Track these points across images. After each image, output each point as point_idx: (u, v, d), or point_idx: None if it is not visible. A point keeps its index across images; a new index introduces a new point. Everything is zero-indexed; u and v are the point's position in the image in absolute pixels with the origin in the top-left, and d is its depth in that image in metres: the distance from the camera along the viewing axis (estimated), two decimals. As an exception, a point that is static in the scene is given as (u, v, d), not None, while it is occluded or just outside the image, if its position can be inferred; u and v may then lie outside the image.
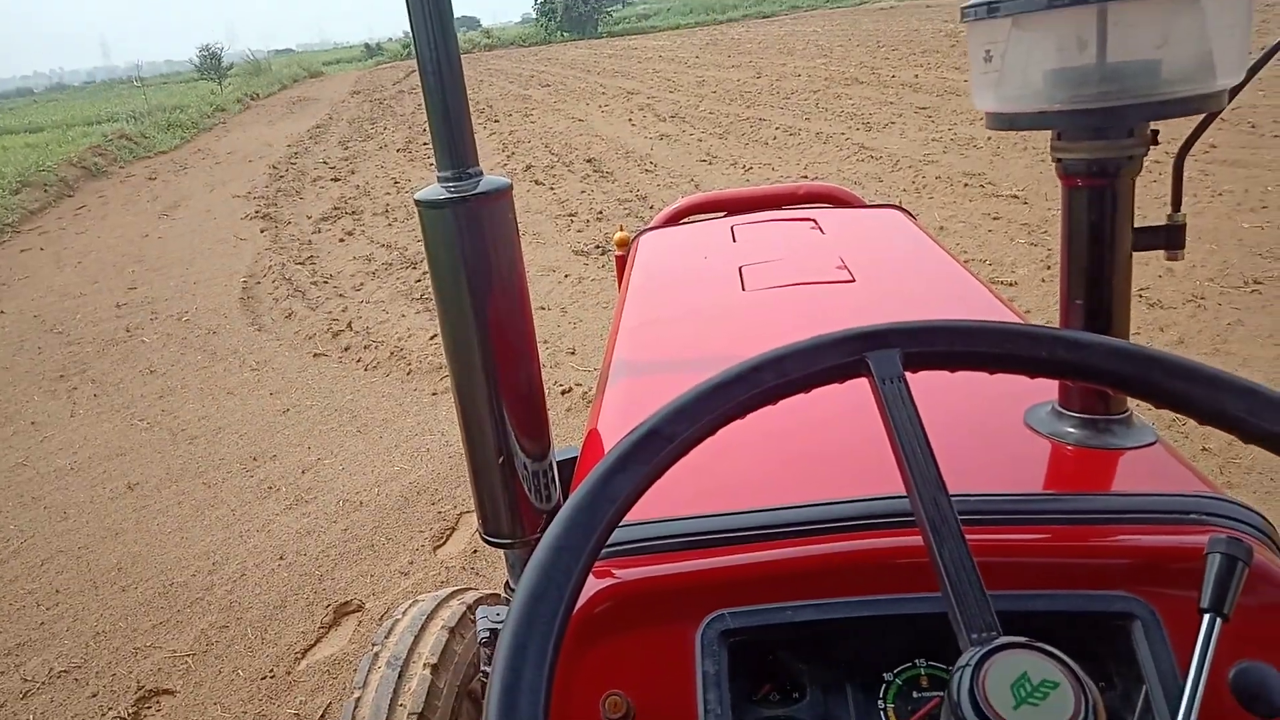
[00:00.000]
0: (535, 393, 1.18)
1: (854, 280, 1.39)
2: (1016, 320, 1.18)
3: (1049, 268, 4.40)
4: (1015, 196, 5.71)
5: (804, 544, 0.72)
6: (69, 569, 3.02)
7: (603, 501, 0.53)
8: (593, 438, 1.10)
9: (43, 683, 2.45)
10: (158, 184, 11.63)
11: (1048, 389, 0.89)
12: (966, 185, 6.15)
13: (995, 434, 0.88)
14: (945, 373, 0.63)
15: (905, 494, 0.73)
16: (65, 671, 2.49)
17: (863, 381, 0.64)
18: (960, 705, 0.42)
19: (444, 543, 2.84)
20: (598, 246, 5.87)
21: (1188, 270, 4.10)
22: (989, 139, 7.49)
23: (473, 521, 2.92)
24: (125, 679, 2.42)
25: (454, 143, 1.02)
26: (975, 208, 5.60)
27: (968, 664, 0.43)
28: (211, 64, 30.92)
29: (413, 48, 1.01)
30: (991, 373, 0.61)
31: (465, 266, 1.05)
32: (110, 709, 2.31)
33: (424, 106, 1.02)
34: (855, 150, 7.76)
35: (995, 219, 5.31)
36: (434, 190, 1.03)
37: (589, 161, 8.87)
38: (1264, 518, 0.71)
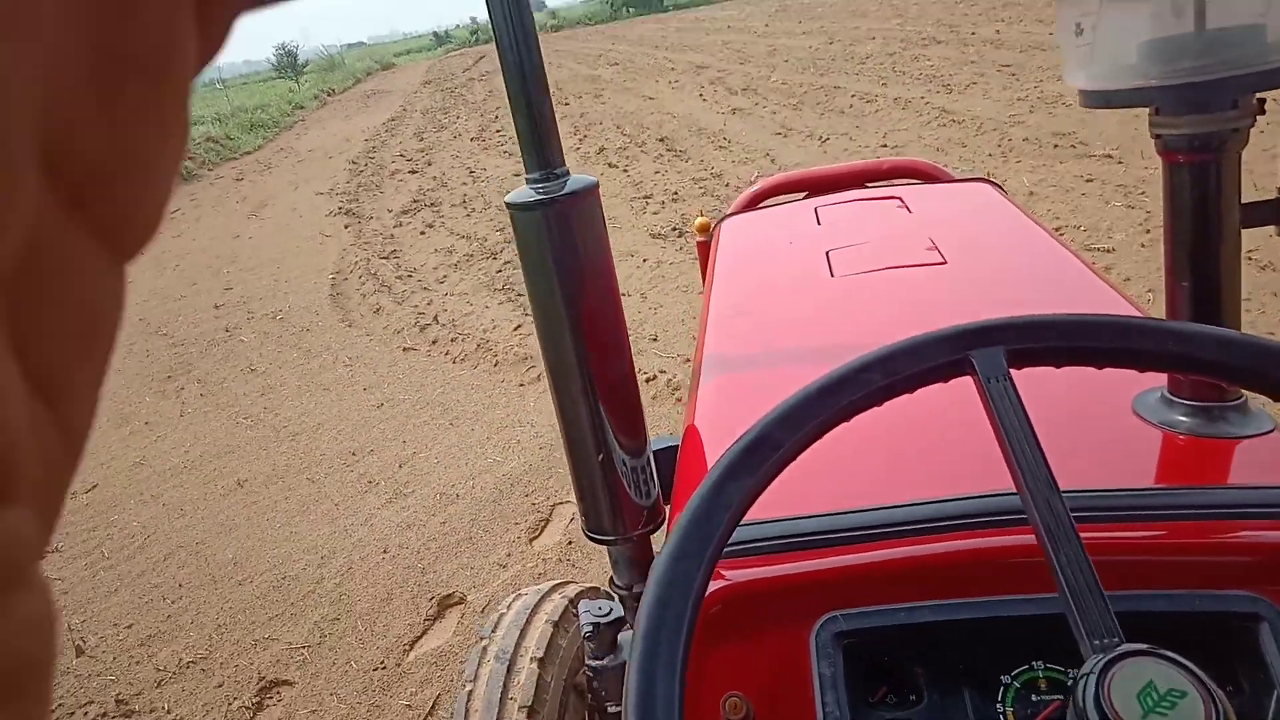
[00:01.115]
0: (630, 388, 1.19)
1: (945, 262, 1.35)
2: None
3: (1148, 231, 4.21)
4: (1109, 156, 5.48)
5: (915, 543, 0.71)
6: (189, 564, 3.18)
7: (717, 509, 0.54)
8: (691, 434, 1.11)
9: (174, 673, 2.60)
10: (245, 184, 12.05)
11: (1156, 375, 0.86)
12: (1056, 147, 5.92)
13: (1103, 424, 0.85)
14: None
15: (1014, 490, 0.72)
16: (193, 662, 2.64)
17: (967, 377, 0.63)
18: (1086, 714, 0.41)
19: (539, 534, 2.90)
20: (674, 229, 5.85)
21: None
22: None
23: (566, 513, 2.97)
24: (247, 670, 2.55)
25: (540, 145, 1.03)
26: (1066, 170, 5.39)
27: (1091, 672, 0.42)
28: (288, 62, 31.77)
29: (494, 43, 1.02)
30: (1100, 368, 0.60)
31: (556, 266, 1.06)
32: (235, 698, 2.44)
33: (509, 109, 1.03)
34: (936, 115, 7.53)
35: (1088, 181, 5.10)
36: (523, 193, 1.05)
37: (661, 141, 8.83)
38: None
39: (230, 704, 2.43)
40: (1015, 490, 0.54)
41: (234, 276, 7.23)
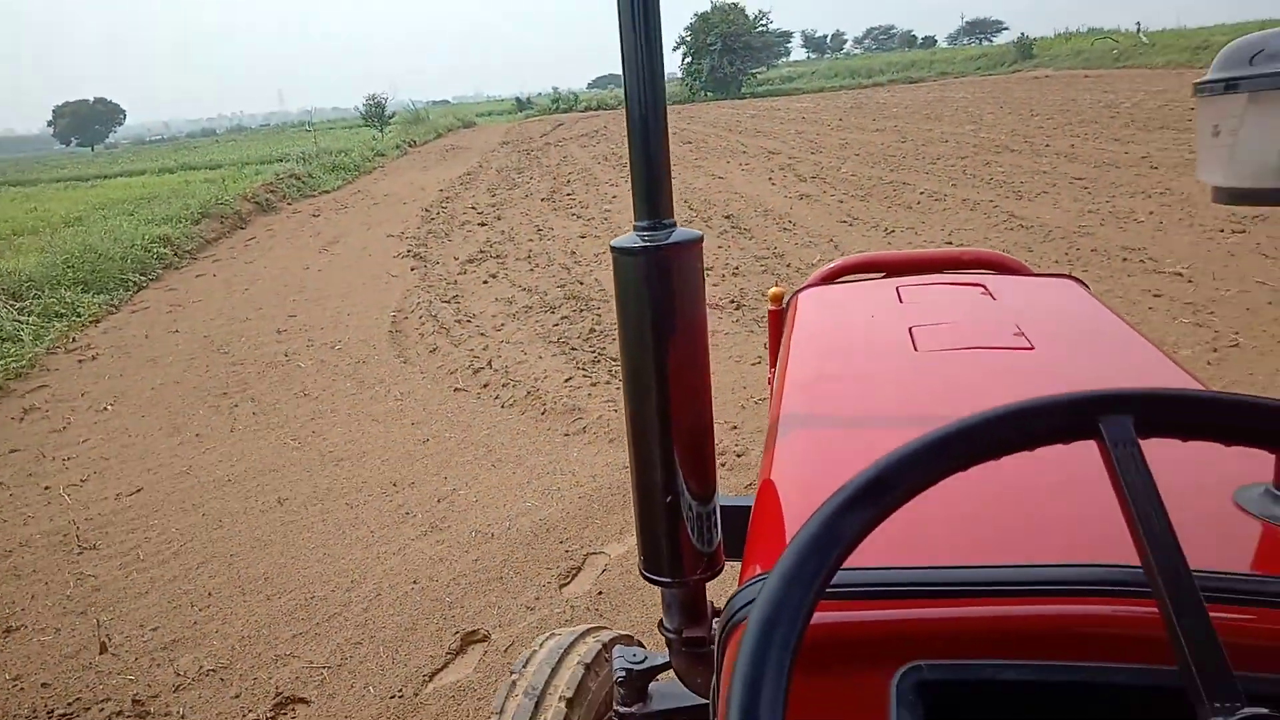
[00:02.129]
0: (705, 437, 1.19)
1: (1033, 348, 1.34)
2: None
3: (1215, 350, 4.13)
4: (1179, 274, 5.41)
5: (1010, 604, 0.70)
6: (221, 574, 3.21)
7: (831, 540, 0.54)
8: (767, 488, 1.10)
9: (193, 679, 2.60)
10: (320, 220, 12.45)
11: (1259, 470, 0.84)
12: (1125, 260, 5.88)
13: (1204, 513, 0.84)
14: (1149, 447, 0.61)
15: (1123, 562, 0.70)
16: (213, 670, 2.63)
17: (1071, 447, 0.63)
18: None
19: (569, 582, 2.87)
20: (732, 301, 5.89)
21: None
22: (1151, 213, 7.15)
23: (599, 563, 2.95)
24: (265, 684, 2.54)
25: (653, 194, 1.06)
26: (1134, 283, 5.33)
27: None
28: (375, 112, 33.04)
29: (623, 98, 1.06)
30: (1227, 445, 0.59)
31: (652, 311, 1.08)
32: (250, 710, 2.43)
33: (628, 158, 1.07)
34: (1004, 219, 7.54)
35: (1156, 296, 5.04)
36: (630, 238, 1.08)
37: (727, 218, 8.96)
38: None
39: (245, 715, 2.42)
40: (1124, 554, 0.55)
41: (299, 305, 7.42)
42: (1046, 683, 0.65)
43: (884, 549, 0.79)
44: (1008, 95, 22.30)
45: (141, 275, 9.26)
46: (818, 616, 0.72)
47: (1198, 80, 0.74)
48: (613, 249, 1.07)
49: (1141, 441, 0.59)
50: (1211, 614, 0.49)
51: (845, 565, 0.76)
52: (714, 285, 6.37)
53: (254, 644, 2.74)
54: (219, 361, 6.03)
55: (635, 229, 1.07)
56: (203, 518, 3.69)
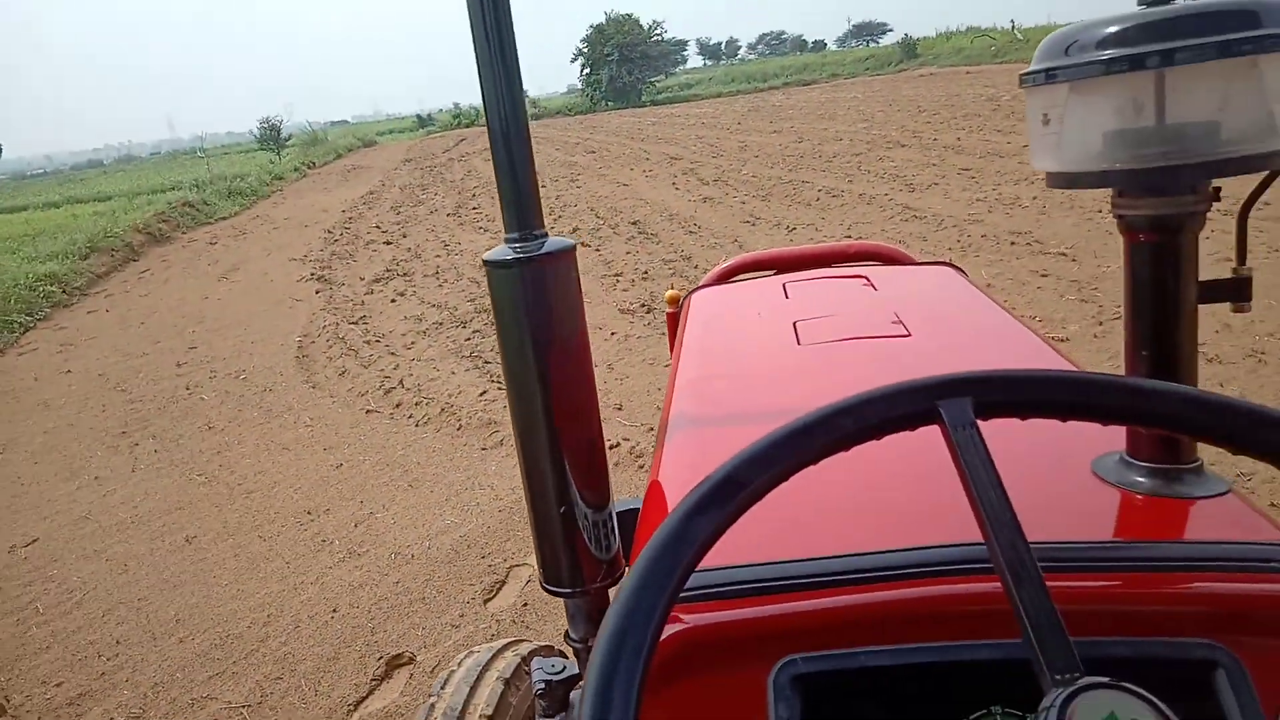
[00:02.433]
0: (596, 444, 1.20)
1: (910, 335, 1.39)
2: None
3: (1100, 324, 4.35)
4: (1063, 254, 5.68)
5: (876, 590, 0.72)
6: (129, 620, 3.07)
7: (683, 543, 0.54)
8: (655, 489, 1.11)
9: (102, 731, 2.49)
10: (218, 248, 12.04)
11: (1113, 439, 0.89)
12: (1013, 244, 6.14)
13: (1063, 484, 0.87)
14: (1009, 424, 0.63)
15: (978, 540, 0.74)
16: (124, 720, 2.52)
17: (924, 431, 0.65)
18: None
19: (494, 596, 2.85)
20: (643, 305, 5.93)
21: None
22: (1035, 198, 7.48)
23: (522, 575, 2.93)
24: (182, 728, 2.45)
25: (521, 206, 1.06)
26: (1022, 265, 5.58)
27: (1053, 705, 0.43)
28: (271, 135, 32.06)
29: (482, 114, 1.06)
30: (1064, 420, 0.62)
31: (530, 323, 1.08)
32: (167, 758, 2.34)
33: (493, 171, 1.07)
34: (899, 210, 7.79)
35: (1043, 276, 5.28)
36: (501, 251, 1.07)
37: (634, 224, 9.01)
38: None
39: (161, 763, 2.33)
40: (980, 535, 0.55)
41: (199, 336, 7.17)
42: (918, 664, 0.67)
43: (754, 546, 0.80)
44: (896, 93, 23.03)
45: (28, 315, 8.79)
46: (694, 617, 0.74)
47: (1023, 72, 0.79)
48: (485, 263, 1.08)
49: (1003, 420, 0.62)
50: (1057, 584, 0.51)
51: (717, 565, 0.77)
52: (624, 291, 6.40)
53: (168, 690, 2.64)
54: (116, 400, 5.77)
55: (506, 241, 1.07)
56: (106, 563, 3.53)
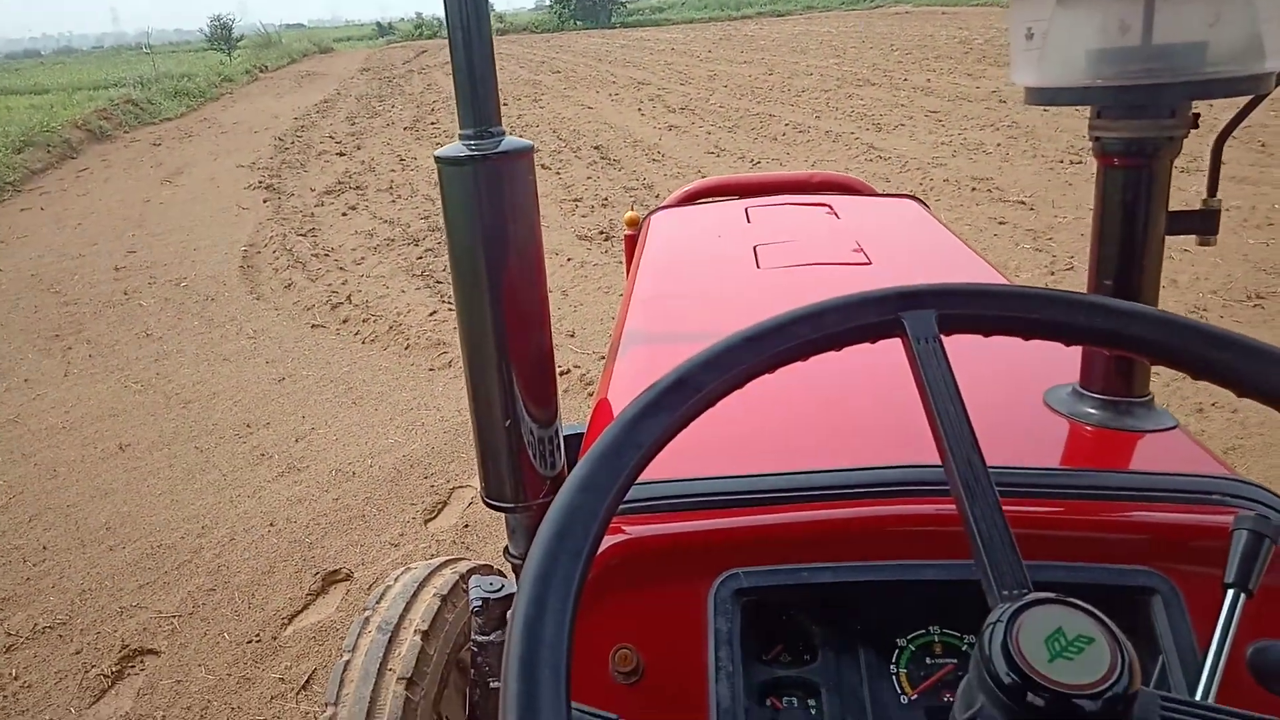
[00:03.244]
0: (545, 358, 1.16)
1: (870, 263, 1.37)
2: None
3: (1052, 274, 4.39)
4: (1022, 203, 5.70)
5: (821, 508, 0.71)
6: (56, 526, 3.00)
7: (628, 446, 0.51)
8: (602, 407, 1.08)
9: (26, 638, 2.44)
10: (162, 150, 11.58)
11: (1067, 372, 0.89)
12: (974, 190, 6.14)
13: (1015, 413, 0.88)
14: (965, 352, 0.62)
15: (926, 462, 0.72)
16: (49, 628, 2.47)
17: (882, 352, 0.63)
18: (993, 659, 0.40)
19: (435, 516, 2.83)
20: (601, 232, 5.85)
21: (1191, 282, 4.09)
22: (998, 145, 7.48)
23: (465, 496, 2.91)
24: (109, 637, 2.40)
25: (478, 100, 1.00)
26: (982, 211, 5.59)
27: (1000, 619, 0.42)
28: (222, 34, 30.75)
29: (442, 7, 0.99)
30: (1026, 338, 0.60)
31: (483, 226, 1.03)
32: (93, 666, 2.30)
33: (450, 63, 1.00)
34: (864, 150, 7.74)
35: (1001, 223, 5.30)
36: (455, 148, 1.01)
37: (596, 149, 8.84)
38: None
39: (87, 672, 2.29)
40: (927, 456, 0.55)
41: (139, 240, 6.92)
42: (858, 583, 0.66)
43: (703, 460, 0.79)
44: (870, 30, 22.74)
45: (-46, 210, 8.41)
46: (637, 529, 0.72)
47: None
48: (437, 159, 1.01)
49: (953, 345, 0.60)
50: (1008, 508, 0.50)
51: (663, 478, 0.75)
52: (583, 217, 6.30)
53: (95, 597, 2.59)
54: (49, 301, 5.56)
55: (460, 138, 1.01)
56: (35, 468, 3.43)
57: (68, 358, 4.59)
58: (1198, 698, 0.53)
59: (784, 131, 8.97)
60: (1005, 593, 0.46)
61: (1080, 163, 6.60)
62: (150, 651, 2.35)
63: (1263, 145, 6.49)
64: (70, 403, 4.02)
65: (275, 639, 2.33)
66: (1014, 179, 6.33)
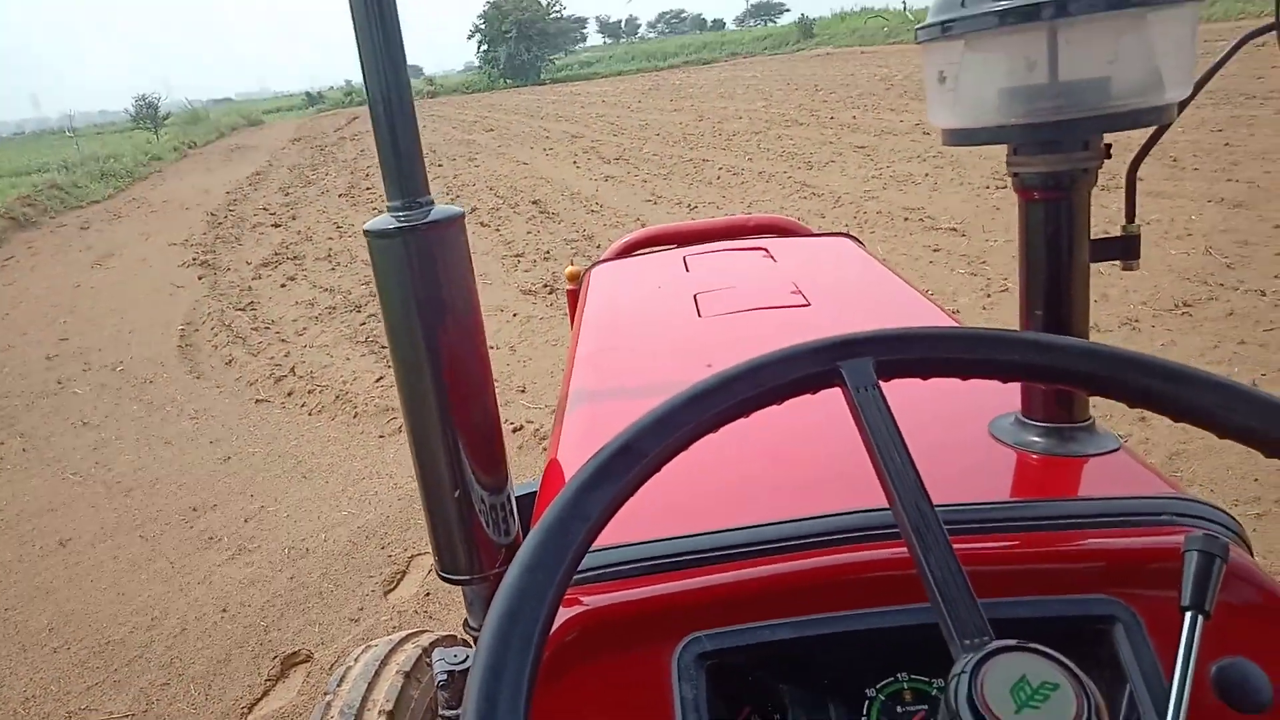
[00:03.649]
0: (491, 424, 1.14)
1: (809, 304, 1.39)
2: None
3: (989, 296, 4.50)
4: (954, 229, 5.86)
5: (778, 561, 0.70)
6: (-5, 631, 2.86)
7: (575, 519, 0.50)
8: (553, 467, 1.07)
9: (-35, 753, 2.31)
10: (90, 233, 11.34)
11: (1009, 402, 0.90)
12: (906, 220, 6.30)
13: (961, 446, 0.88)
14: (907, 389, 0.62)
15: (880, 506, 0.72)
16: (-10, 740, 2.35)
17: (826, 400, 0.63)
18: (959, 713, 0.40)
19: (395, 587, 2.76)
20: (545, 285, 5.85)
21: (1121, 295, 4.22)
22: (926, 175, 7.69)
23: (424, 564, 2.85)
24: (56, 745, 2.29)
25: (403, 171, 0.99)
26: (915, 240, 5.73)
27: (964, 671, 0.42)
28: (147, 113, 30.40)
29: (361, 78, 0.99)
30: (964, 379, 0.60)
31: (417, 297, 1.02)
32: (40, 778, 2.18)
33: (373, 136, 1.00)
34: (798, 188, 7.90)
35: (935, 251, 5.43)
36: (384, 220, 1.00)
37: (535, 203, 8.89)
38: (1232, 517, 0.72)
39: (33, 784, 2.17)
40: (885, 498, 0.54)
41: (71, 326, 6.73)
42: (821, 636, 0.65)
43: (653, 523, 0.78)
44: (794, 72, 23.38)
45: (-127, 309, 8.11)
46: (593, 599, 0.70)
47: (919, 26, 0.77)
48: (366, 233, 1.00)
49: (897, 382, 0.60)
50: (958, 546, 0.50)
51: (615, 544, 0.74)
52: (525, 271, 6.30)
53: (41, 703, 2.46)
54: (-23, 397, 5.37)
55: (389, 210, 1.00)
56: (-32, 572, 3.28)
57: (0, 453, 4.42)
58: None
59: (718, 175, 9.13)
60: (966, 642, 0.46)
61: (1005, 187, 6.82)
62: (101, 756, 2.24)
63: (1174, 159, 6.78)
64: (4, 501, 3.85)
65: (234, 731, 2.24)
66: (944, 207, 6.51)
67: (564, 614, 0.69)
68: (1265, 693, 0.59)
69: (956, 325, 1.23)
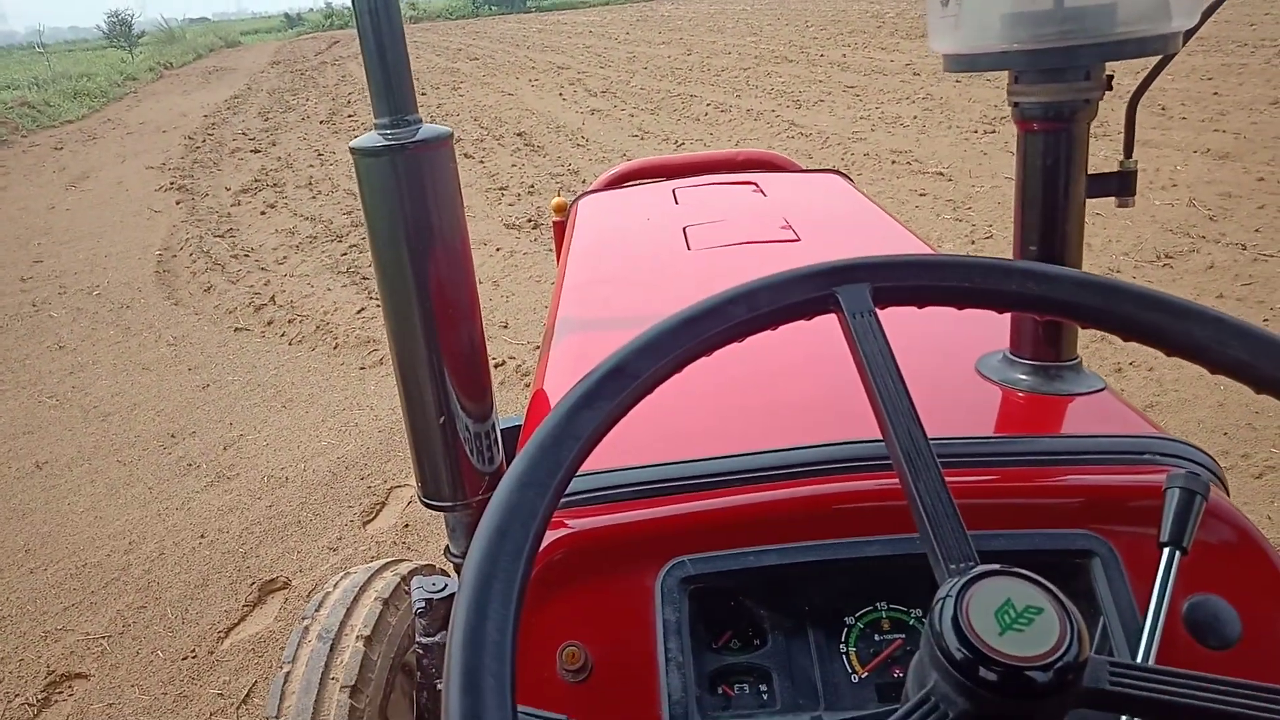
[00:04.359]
0: (477, 351, 1.14)
1: (799, 239, 1.39)
2: None
3: (973, 242, 4.49)
4: (940, 174, 5.82)
5: (764, 490, 0.71)
6: (-29, 553, 2.86)
7: (567, 438, 0.49)
8: (539, 398, 1.07)
9: (-56, 670, 2.33)
10: (64, 154, 11.08)
11: (998, 339, 0.90)
12: (894, 163, 6.25)
13: (948, 382, 0.89)
14: (898, 324, 0.62)
15: (866, 438, 0.72)
16: (-31, 658, 2.36)
17: (818, 330, 0.63)
18: (943, 634, 0.40)
19: (374, 518, 2.78)
20: (529, 220, 5.79)
21: (1104, 245, 4.23)
22: (915, 118, 7.61)
23: (404, 496, 2.86)
24: (33, 664, 2.31)
25: (392, 88, 0.97)
26: (902, 184, 5.69)
27: (949, 594, 0.42)
28: (121, 31, 29.47)
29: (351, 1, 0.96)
30: (960, 308, 0.60)
31: (404, 218, 1.00)
32: (17, 695, 2.21)
33: (360, 52, 0.97)
34: (786, 127, 7.80)
35: (921, 195, 5.40)
36: (370, 138, 0.98)
37: (519, 135, 8.75)
38: (1212, 458, 0.73)
39: (10, 702, 2.19)
40: (868, 432, 0.55)
41: (46, 249, 6.61)
42: (804, 564, 0.66)
43: (643, 448, 0.78)
44: (784, 7, 22.91)
45: None
46: (579, 522, 0.71)
47: None
48: (353, 150, 0.98)
49: (886, 318, 0.60)
50: (949, 478, 0.50)
51: (603, 468, 0.75)
52: (509, 205, 6.23)
53: (16, 623, 2.48)
54: (-51, 318, 5.29)
55: (376, 127, 0.98)
56: (-57, 494, 3.27)
57: (-27, 376, 4.37)
58: (1139, 657, 0.54)
59: (706, 112, 8.99)
60: (952, 566, 0.46)
61: (994, 132, 6.76)
62: (79, 675, 2.26)
63: (1163, 109, 6.74)
64: (-21, 423, 3.83)
65: (212, 654, 2.26)
66: (931, 150, 6.46)
67: (550, 536, 0.70)
68: (1233, 629, 0.61)
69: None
